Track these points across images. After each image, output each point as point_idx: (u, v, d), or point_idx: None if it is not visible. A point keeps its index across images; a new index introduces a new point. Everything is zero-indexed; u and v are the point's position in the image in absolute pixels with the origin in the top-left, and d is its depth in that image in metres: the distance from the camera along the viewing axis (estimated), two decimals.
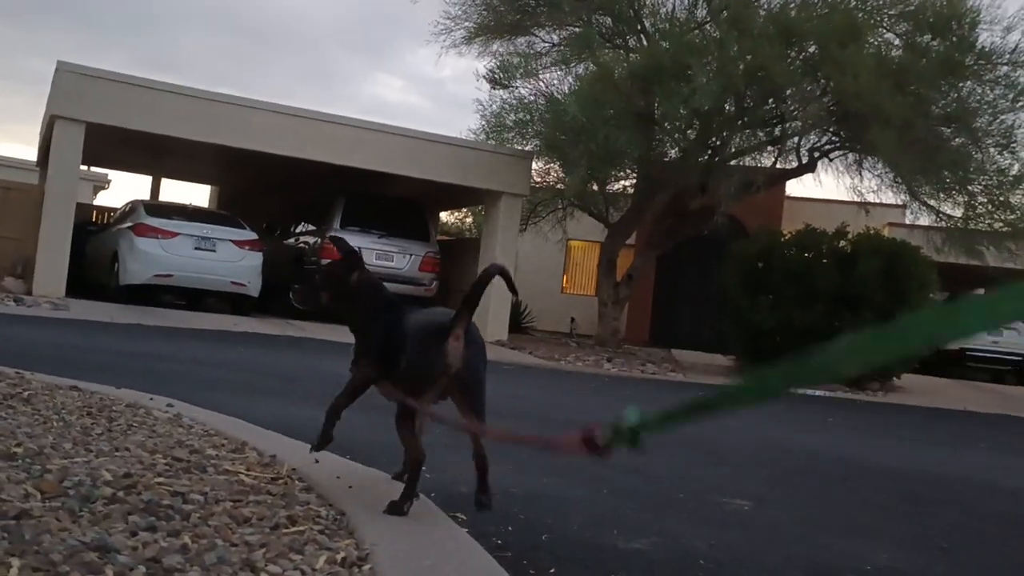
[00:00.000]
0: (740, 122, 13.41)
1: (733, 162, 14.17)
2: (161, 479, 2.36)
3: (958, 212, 13.73)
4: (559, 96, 14.19)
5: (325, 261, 13.70)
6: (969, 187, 13.24)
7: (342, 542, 2.02)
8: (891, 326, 0.91)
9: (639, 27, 14.41)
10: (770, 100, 13.43)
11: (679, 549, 2.82)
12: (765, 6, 13.48)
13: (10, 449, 2.43)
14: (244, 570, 1.71)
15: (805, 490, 4.51)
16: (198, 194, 52.84)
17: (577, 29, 14.49)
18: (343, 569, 1.84)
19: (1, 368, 4.39)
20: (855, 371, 0.93)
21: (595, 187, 15.48)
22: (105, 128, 12.78)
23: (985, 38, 12.56)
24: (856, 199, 14.51)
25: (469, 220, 23.46)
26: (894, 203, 15.31)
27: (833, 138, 14.27)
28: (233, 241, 13.17)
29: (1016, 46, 12.40)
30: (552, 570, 2.43)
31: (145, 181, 22.66)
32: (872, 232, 13.26)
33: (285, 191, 17.21)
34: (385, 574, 1.81)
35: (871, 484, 4.89)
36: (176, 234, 12.92)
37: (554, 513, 3.10)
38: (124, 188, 60.59)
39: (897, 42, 13.44)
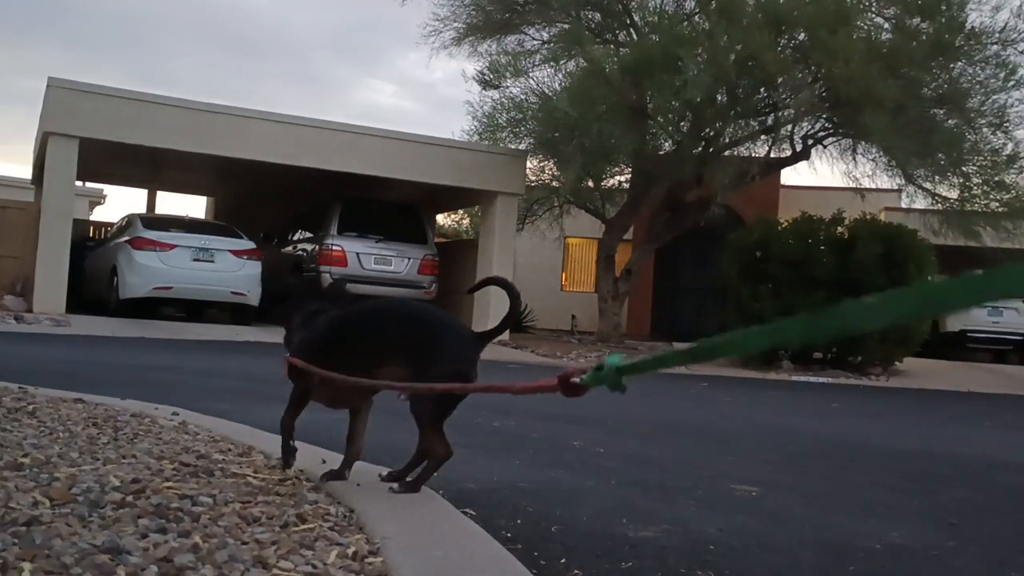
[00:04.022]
0: (733, 112, 13.43)
1: (727, 152, 14.20)
2: (169, 483, 2.36)
3: (954, 194, 13.76)
4: (550, 93, 14.21)
5: (324, 267, 13.73)
6: (964, 168, 13.28)
7: (352, 537, 2.02)
8: (912, 289, 0.90)
9: (628, 21, 14.43)
10: (762, 89, 13.44)
11: (689, 535, 2.83)
12: None
13: (17, 460, 2.44)
14: (256, 567, 1.71)
15: (813, 474, 4.51)
16: (194, 205, 52.79)
17: (566, 26, 14.50)
18: (355, 563, 1.84)
19: (5, 384, 4.39)
20: (869, 328, 0.92)
21: (590, 183, 15.50)
22: (99, 143, 12.79)
23: (974, 18, 12.61)
24: (851, 185, 14.54)
25: (466, 222, 23.49)
26: (889, 187, 15.33)
27: (826, 124, 14.29)
28: (231, 251, 13.19)
29: (1005, 25, 12.45)
30: (563, 560, 2.43)
31: (141, 195, 22.71)
32: (869, 217, 13.29)
33: (281, 199, 17.22)
34: (397, 566, 1.81)
35: (878, 465, 4.89)
36: (174, 246, 12.93)
37: (563, 505, 3.10)
38: (120, 202, 60.58)
39: (887, 25, 13.46)
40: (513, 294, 2.72)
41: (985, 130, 13.10)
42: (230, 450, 3.13)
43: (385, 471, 2.81)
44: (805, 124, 14.09)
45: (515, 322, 12.96)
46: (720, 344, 1.09)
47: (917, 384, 12.16)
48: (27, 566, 1.50)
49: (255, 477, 2.65)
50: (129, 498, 2.12)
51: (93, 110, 12.56)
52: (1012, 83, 12.58)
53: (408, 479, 2.65)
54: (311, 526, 2.08)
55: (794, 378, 11.96)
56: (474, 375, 2.62)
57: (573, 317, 19.07)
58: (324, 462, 2.90)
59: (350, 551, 1.89)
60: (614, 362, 1.25)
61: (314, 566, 1.76)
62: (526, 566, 2.22)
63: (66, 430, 3.17)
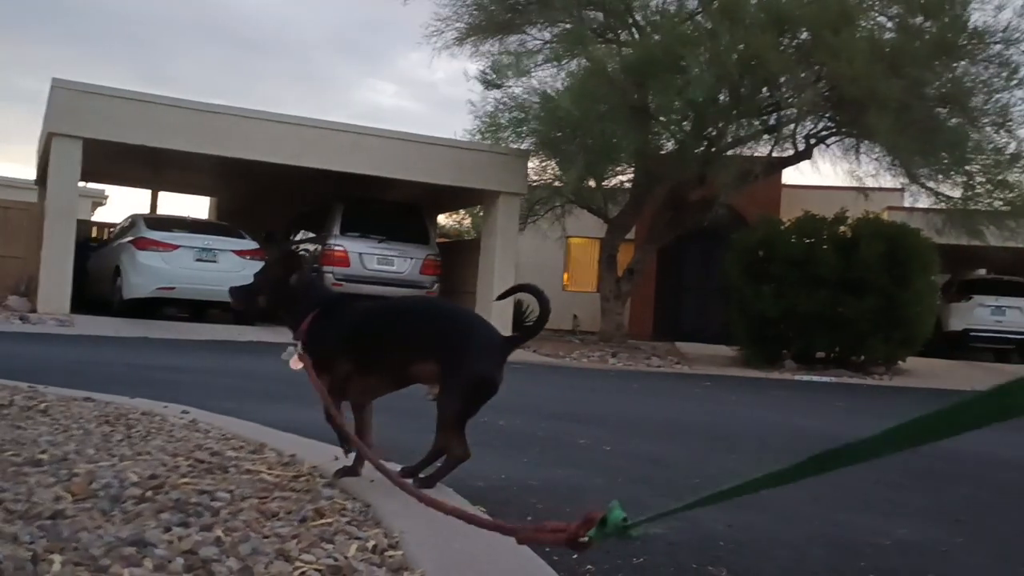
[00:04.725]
0: (735, 112, 13.43)
1: (730, 152, 14.19)
2: (186, 479, 2.39)
3: (957, 193, 13.75)
4: (553, 93, 14.22)
5: (326, 267, 13.76)
6: (967, 167, 13.27)
7: (371, 531, 2.05)
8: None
9: (630, 21, 14.44)
10: (764, 88, 13.45)
11: (699, 532, 2.84)
12: None
13: (35, 456, 2.47)
14: (279, 559, 1.74)
15: None
16: (197, 206, 52.81)
17: (568, 26, 14.51)
18: (375, 556, 1.87)
19: (14, 383, 4.42)
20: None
21: (592, 183, 15.50)
22: (102, 143, 12.81)
23: (977, 17, 12.62)
24: (854, 184, 14.55)
25: (467, 222, 23.49)
26: (892, 187, 15.34)
27: (829, 124, 14.30)
28: (234, 251, 13.20)
29: (1008, 24, 12.46)
30: (574, 556, 2.45)
31: (143, 195, 22.73)
32: (872, 216, 13.30)
33: (284, 199, 17.25)
34: (416, 559, 1.84)
35: (883, 463, 4.88)
36: (177, 246, 12.96)
37: (572, 502, 3.12)
38: (123, 203, 60.66)
39: (890, 25, 13.47)
40: (543, 302, 2.73)
41: (988, 129, 13.11)
42: (242, 447, 3.16)
43: (398, 467, 2.83)
44: (808, 123, 14.09)
45: (518, 322, 12.81)
46: (726, 491, 1.11)
47: (920, 383, 12.17)
48: (57, 558, 1.53)
49: (269, 473, 2.68)
50: (148, 493, 2.15)
51: (97, 110, 12.58)
52: (1015, 82, 12.59)
53: (421, 475, 2.67)
54: (329, 521, 2.10)
55: (797, 377, 11.98)
56: (500, 378, 2.65)
57: (575, 317, 19.06)
58: (336, 459, 2.92)
59: (370, 545, 1.92)
60: (617, 517, 1.25)
61: (335, 559, 1.79)
62: None
63: (80, 428, 3.20)
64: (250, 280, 3.02)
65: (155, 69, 64.94)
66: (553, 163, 15.88)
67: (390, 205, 15.22)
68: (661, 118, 13.69)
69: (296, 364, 2.76)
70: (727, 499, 1.13)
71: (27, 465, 2.35)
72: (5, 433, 2.87)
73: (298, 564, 1.73)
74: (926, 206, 14.74)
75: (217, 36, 74.77)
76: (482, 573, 1.84)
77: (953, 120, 13.12)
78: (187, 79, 69.77)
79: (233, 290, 3.01)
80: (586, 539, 1.27)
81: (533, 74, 14.97)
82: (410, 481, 2.65)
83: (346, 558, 1.81)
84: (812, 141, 14.38)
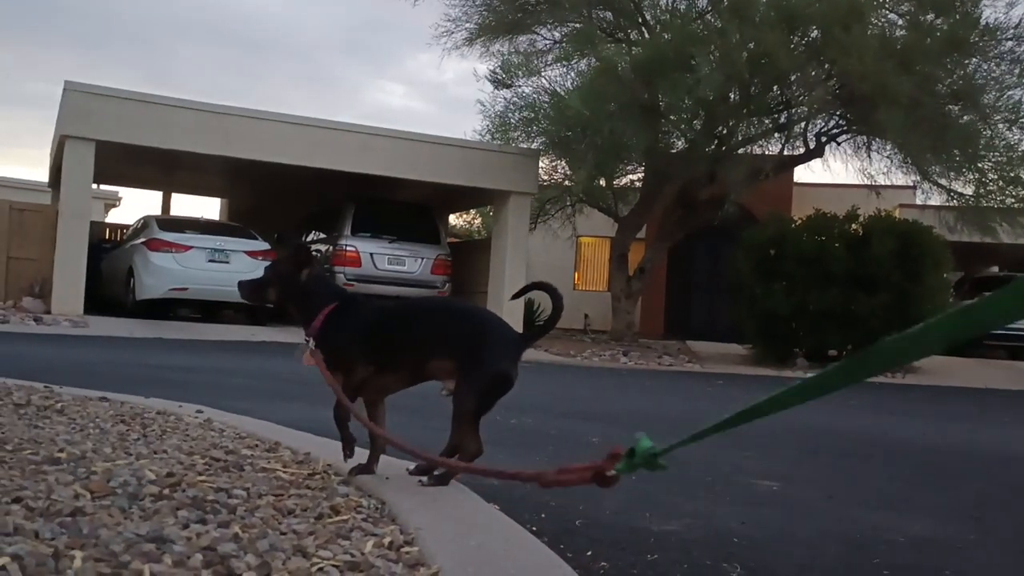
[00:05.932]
0: (746, 110, 13.40)
1: (740, 150, 14.17)
2: (202, 477, 2.41)
3: (969, 190, 13.70)
4: (563, 92, 14.23)
5: (337, 267, 13.80)
6: (979, 164, 13.22)
7: (387, 528, 2.07)
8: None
9: (640, 20, 14.44)
10: (775, 86, 13.42)
11: (712, 528, 2.85)
12: None
13: (53, 454, 2.50)
14: (296, 555, 1.76)
15: (832, 468, 4.53)
16: (209, 207, 53.02)
17: (578, 25, 14.52)
18: (391, 552, 1.88)
19: (30, 383, 4.46)
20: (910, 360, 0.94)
21: (602, 182, 15.51)
22: (115, 145, 12.89)
23: (989, 14, 12.58)
24: (866, 182, 14.51)
25: (478, 222, 23.53)
26: (904, 184, 15.29)
27: (840, 122, 14.26)
28: (246, 252, 13.26)
29: (1020, 21, 12.42)
30: (588, 552, 2.46)
31: (155, 197, 22.85)
32: (884, 214, 13.25)
33: (295, 200, 17.31)
34: (433, 555, 1.85)
35: (897, 460, 4.90)
36: (189, 247, 13.03)
37: (586, 499, 3.12)
38: (135, 205, 60.97)
39: (900, 21, 13.43)
40: (556, 299, 2.76)
41: (1000, 126, 13.06)
42: (257, 446, 3.18)
43: (412, 465, 2.84)
44: (819, 121, 14.07)
45: (529, 321, 12.82)
46: (747, 411, 1.13)
47: (934, 381, 12.11)
48: (78, 554, 1.55)
49: (285, 471, 2.70)
50: (166, 491, 2.18)
51: (109, 113, 12.66)
52: None
53: (436, 472, 2.69)
54: (345, 518, 2.12)
55: (809, 375, 11.92)
56: (516, 374, 2.68)
57: (586, 316, 19.06)
58: (352, 456, 2.93)
59: (386, 541, 1.94)
60: (646, 446, 1.26)
61: (352, 555, 1.81)
62: None
63: (96, 427, 3.23)
64: (260, 274, 3.02)
65: (160, 70, 65.27)
66: (563, 162, 15.90)
67: (401, 205, 15.26)
68: (671, 117, 13.68)
69: (308, 360, 2.78)
70: (749, 420, 1.15)
71: (46, 463, 2.38)
72: (23, 432, 2.90)
73: (315, 560, 1.75)
74: (938, 203, 14.69)
75: (222, 37, 75.01)
76: (498, 569, 1.85)
77: (965, 117, 13.07)
78: (192, 80, 70.09)
79: (242, 284, 2.99)
80: (613, 473, 1.30)
81: (543, 74, 15.01)
82: (425, 478, 2.66)
83: (363, 554, 1.83)
84: (823, 139, 14.35)
